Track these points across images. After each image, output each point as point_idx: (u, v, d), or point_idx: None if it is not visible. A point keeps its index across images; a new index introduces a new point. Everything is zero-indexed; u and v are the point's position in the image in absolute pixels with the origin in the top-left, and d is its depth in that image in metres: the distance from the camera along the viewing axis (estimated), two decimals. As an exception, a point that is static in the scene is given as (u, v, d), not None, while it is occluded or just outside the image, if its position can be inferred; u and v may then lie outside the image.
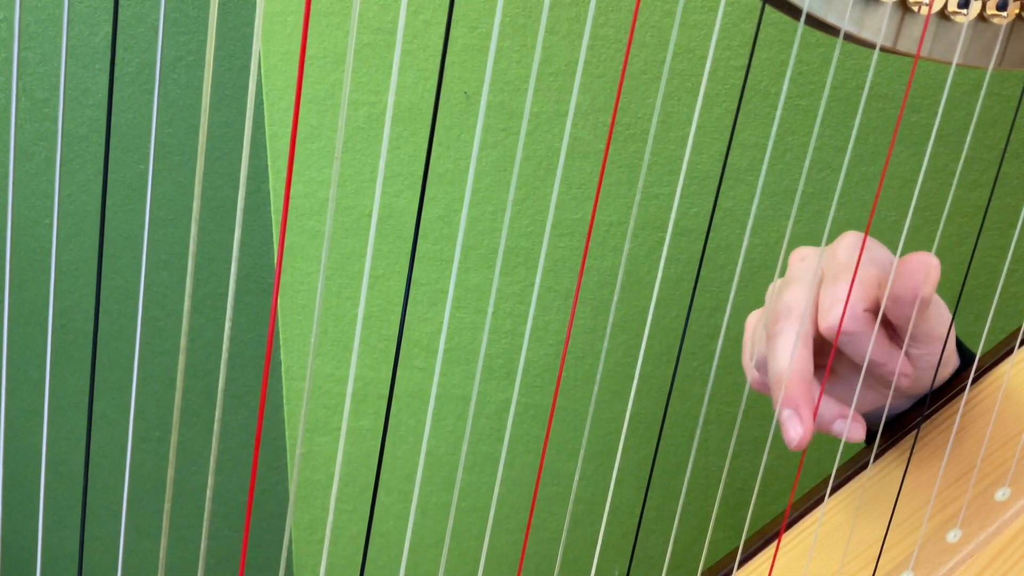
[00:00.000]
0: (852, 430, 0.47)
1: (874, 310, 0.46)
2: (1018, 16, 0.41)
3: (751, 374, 0.50)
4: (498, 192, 0.88)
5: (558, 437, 0.96)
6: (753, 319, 0.52)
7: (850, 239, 0.48)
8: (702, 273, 0.87)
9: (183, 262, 1.01)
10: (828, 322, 0.46)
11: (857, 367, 0.49)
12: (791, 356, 0.46)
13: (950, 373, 0.53)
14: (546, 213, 0.88)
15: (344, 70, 0.87)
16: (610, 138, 0.86)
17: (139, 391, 1.02)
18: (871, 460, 0.52)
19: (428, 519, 1.00)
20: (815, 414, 0.46)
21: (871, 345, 0.46)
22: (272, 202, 0.93)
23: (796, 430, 0.45)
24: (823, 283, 0.47)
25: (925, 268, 0.44)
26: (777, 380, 0.46)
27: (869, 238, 0.48)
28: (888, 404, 0.52)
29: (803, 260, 0.49)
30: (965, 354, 0.55)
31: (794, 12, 0.39)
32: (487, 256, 0.90)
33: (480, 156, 0.87)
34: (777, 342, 0.47)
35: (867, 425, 0.54)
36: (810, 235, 0.84)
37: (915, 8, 0.40)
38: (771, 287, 0.51)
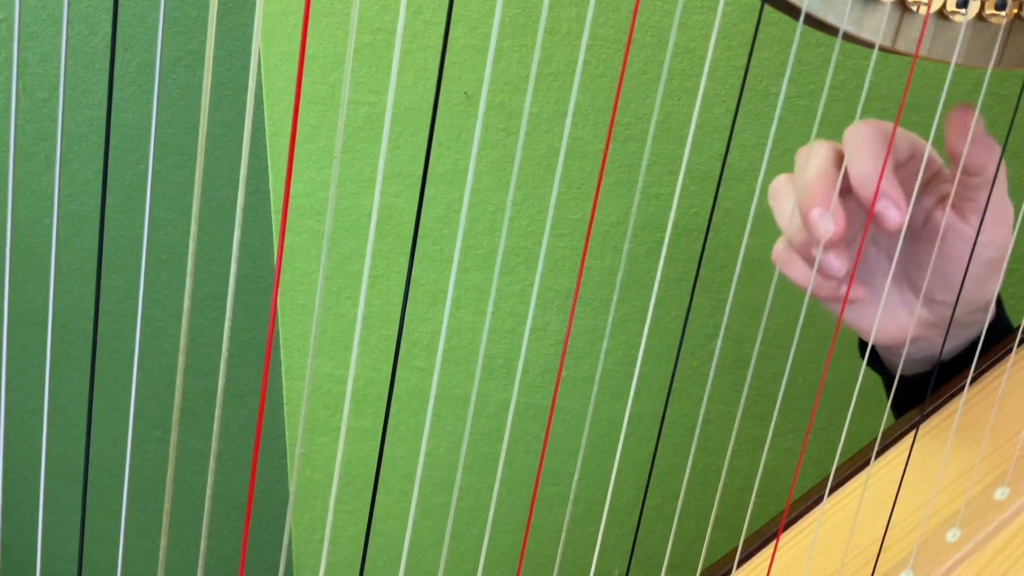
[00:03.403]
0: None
1: (914, 195, 0.48)
2: (1017, 15, 0.41)
3: (778, 247, 0.51)
4: (498, 192, 0.88)
5: (558, 437, 0.96)
6: (780, 180, 0.52)
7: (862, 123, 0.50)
8: (702, 273, 0.87)
9: (183, 262, 1.01)
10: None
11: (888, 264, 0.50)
12: (822, 169, 0.48)
13: (989, 319, 0.53)
14: (546, 213, 0.88)
15: (344, 70, 0.88)
16: (610, 138, 0.86)
17: (139, 391, 1.03)
18: (870, 460, 0.52)
19: (428, 519, 1.00)
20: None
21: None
22: (272, 202, 0.93)
23: (826, 223, 0.47)
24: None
25: (962, 109, 0.46)
26: (805, 187, 0.48)
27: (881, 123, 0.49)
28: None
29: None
30: (1005, 320, 0.55)
31: (793, 12, 0.39)
32: (487, 256, 0.90)
33: (480, 156, 0.87)
34: (810, 162, 0.48)
35: (908, 371, 0.55)
36: (810, 235, 0.84)
37: (914, 8, 0.40)
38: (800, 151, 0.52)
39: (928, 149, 0.50)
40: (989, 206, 0.48)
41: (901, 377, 0.55)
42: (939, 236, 0.49)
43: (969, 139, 0.46)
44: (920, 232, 0.51)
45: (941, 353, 0.53)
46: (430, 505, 1.00)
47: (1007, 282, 0.83)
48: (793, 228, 0.49)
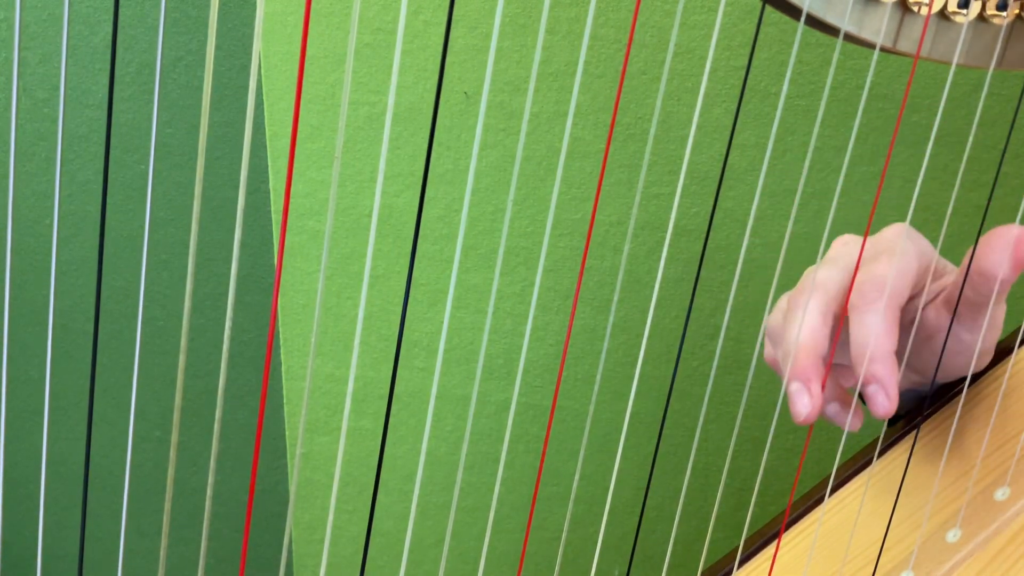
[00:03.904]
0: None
1: (918, 295, 0.47)
2: (1018, 16, 0.41)
3: (768, 347, 0.50)
4: (498, 192, 0.88)
5: (558, 437, 0.96)
6: (783, 300, 0.51)
7: (896, 228, 0.48)
8: (702, 273, 0.87)
9: (183, 262, 1.01)
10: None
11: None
12: (810, 329, 0.45)
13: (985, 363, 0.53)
14: (546, 213, 0.88)
15: (344, 70, 0.88)
16: (610, 138, 0.86)
17: (139, 391, 1.02)
18: (872, 460, 0.52)
19: (428, 519, 1.00)
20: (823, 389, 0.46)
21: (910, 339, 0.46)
22: (272, 202, 0.93)
23: (804, 404, 0.44)
24: (863, 263, 0.47)
25: (1010, 241, 0.44)
26: (789, 352, 0.45)
27: (914, 230, 0.48)
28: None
29: (845, 245, 0.49)
30: None
31: (794, 12, 0.39)
32: (487, 256, 0.90)
33: (480, 156, 0.87)
34: (796, 314, 0.46)
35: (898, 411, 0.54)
36: (810, 235, 0.84)
37: (915, 8, 0.40)
38: (807, 271, 0.51)
39: (934, 259, 0.48)
40: (989, 320, 0.47)
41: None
42: (930, 334, 0.49)
43: (996, 270, 0.44)
44: (908, 326, 0.50)
45: (930, 394, 0.53)
46: (430, 505, 1.00)
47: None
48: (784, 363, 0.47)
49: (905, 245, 0.47)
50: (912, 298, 0.49)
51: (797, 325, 0.46)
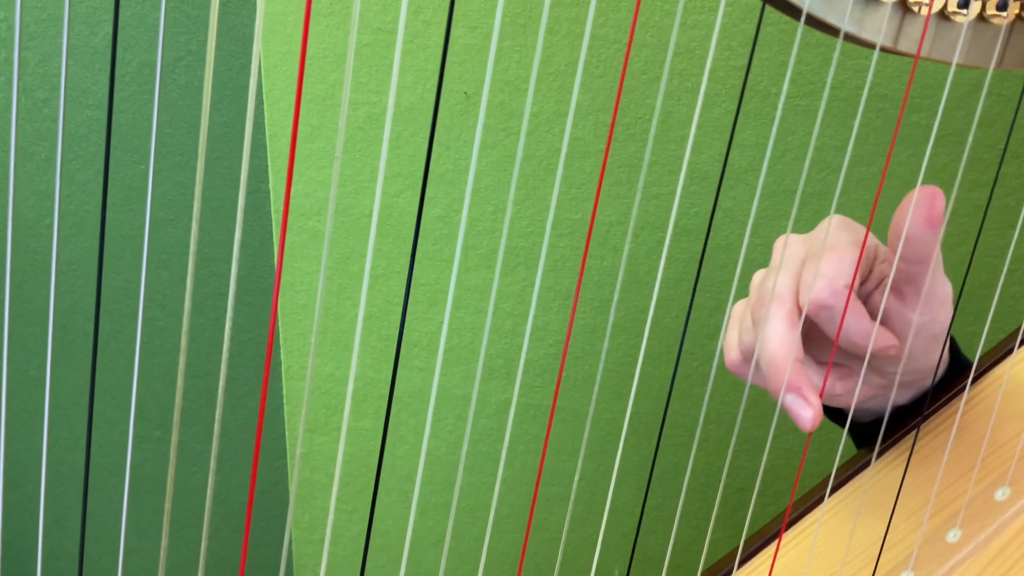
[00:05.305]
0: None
1: (856, 285, 0.47)
2: (1018, 16, 0.41)
3: (731, 354, 0.50)
4: (498, 192, 0.88)
5: (558, 437, 0.96)
6: (740, 307, 0.51)
7: (834, 221, 0.49)
8: (702, 273, 0.87)
9: (183, 262, 1.01)
10: (809, 296, 0.46)
11: (847, 353, 0.49)
12: (782, 339, 0.46)
13: (942, 371, 0.53)
14: (546, 213, 0.88)
15: (344, 70, 0.88)
16: (610, 138, 0.86)
17: (139, 391, 1.02)
18: (872, 460, 0.52)
19: (428, 519, 1.00)
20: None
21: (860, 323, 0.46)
22: (272, 202, 0.93)
23: (806, 413, 0.45)
24: (805, 262, 0.47)
25: (930, 195, 0.44)
26: (770, 364, 0.46)
27: (852, 221, 0.48)
28: (878, 396, 0.52)
29: (788, 247, 0.49)
30: (961, 359, 0.55)
31: (794, 12, 0.39)
32: (487, 256, 0.90)
33: (480, 156, 0.87)
34: (766, 327, 0.47)
35: (863, 419, 0.54)
36: (810, 235, 0.84)
37: (915, 8, 0.40)
38: (756, 276, 0.51)
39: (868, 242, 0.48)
40: (930, 291, 0.48)
41: (861, 424, 0.55)
42: (879, 319, 0.49)
43: (914, 230, 0.45)
44: None
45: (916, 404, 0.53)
46: (430, 505, 1.00)
47: (1007, 282, 0.83)
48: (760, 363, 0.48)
49: (841, 236, 0.47)
50: (862, 283, 0.49)
51: (768, 338, 0.46)
